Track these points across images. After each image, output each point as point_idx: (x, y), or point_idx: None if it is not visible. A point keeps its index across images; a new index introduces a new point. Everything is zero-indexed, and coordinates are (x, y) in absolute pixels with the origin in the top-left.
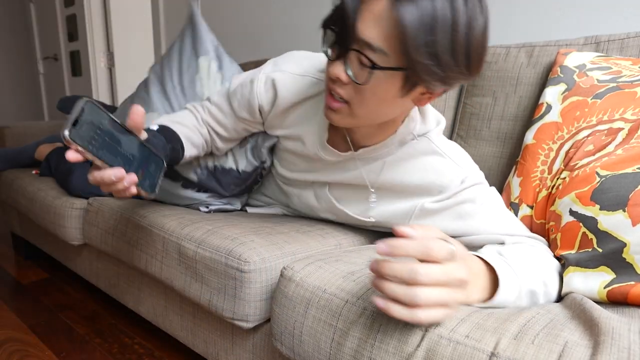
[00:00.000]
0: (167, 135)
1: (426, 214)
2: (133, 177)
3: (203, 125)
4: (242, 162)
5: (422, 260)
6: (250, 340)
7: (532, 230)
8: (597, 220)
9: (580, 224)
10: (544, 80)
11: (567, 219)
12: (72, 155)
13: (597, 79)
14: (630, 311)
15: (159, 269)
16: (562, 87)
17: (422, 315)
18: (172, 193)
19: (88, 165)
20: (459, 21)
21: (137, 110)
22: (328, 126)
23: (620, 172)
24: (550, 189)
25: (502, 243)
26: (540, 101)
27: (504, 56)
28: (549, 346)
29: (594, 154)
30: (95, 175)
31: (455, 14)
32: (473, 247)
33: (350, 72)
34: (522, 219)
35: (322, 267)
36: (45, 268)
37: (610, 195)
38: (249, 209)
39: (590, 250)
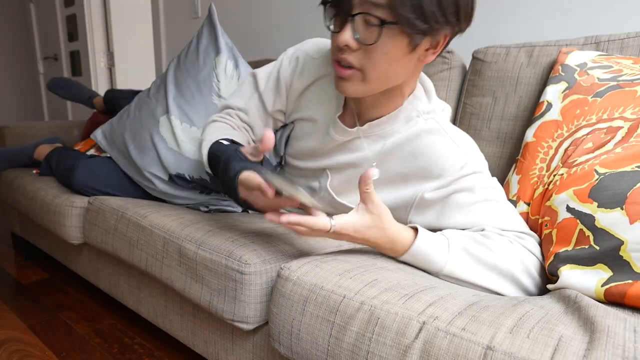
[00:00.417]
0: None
1: (425, 206)
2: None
3: (242, 129)
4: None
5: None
6: (251, 340)
7: None
8: (594, 217)
9: (578, 221)
10: (544, 80)
11: (563, 215)
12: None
13: (598, 78)
14: (626, 310)
15: (159, 269)
16: (563, 85)
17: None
18: (175, 194)
19: (89, 160)
20: None
21: (270, 137)
22: (343, 103)
23: (619, 170)
24: (546, 185)
25: None
26: (541, 99)
27: (504, 56)
28: (544, 340)
29: (592, 152)
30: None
31: None
32: None
33: (357, 36)
34: None
35: (318, 265)
36: (45, 268)
37: (609, 193)
38: (250, 210)
39: (587, 247)
